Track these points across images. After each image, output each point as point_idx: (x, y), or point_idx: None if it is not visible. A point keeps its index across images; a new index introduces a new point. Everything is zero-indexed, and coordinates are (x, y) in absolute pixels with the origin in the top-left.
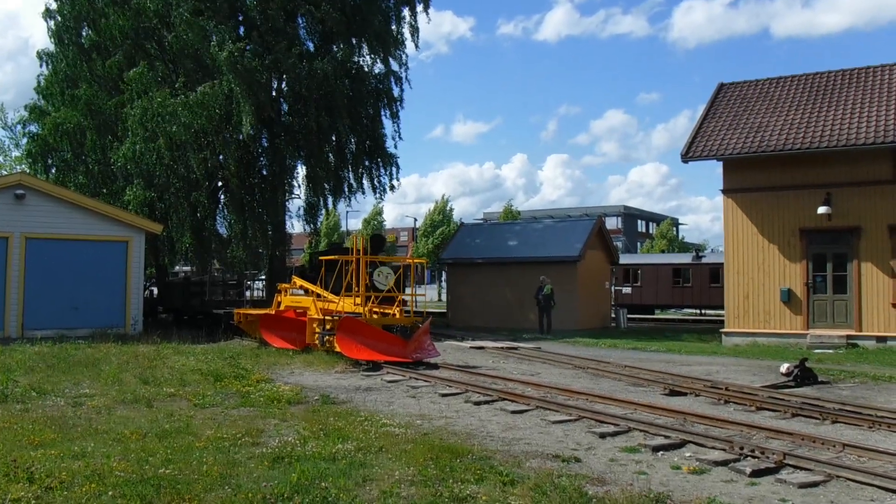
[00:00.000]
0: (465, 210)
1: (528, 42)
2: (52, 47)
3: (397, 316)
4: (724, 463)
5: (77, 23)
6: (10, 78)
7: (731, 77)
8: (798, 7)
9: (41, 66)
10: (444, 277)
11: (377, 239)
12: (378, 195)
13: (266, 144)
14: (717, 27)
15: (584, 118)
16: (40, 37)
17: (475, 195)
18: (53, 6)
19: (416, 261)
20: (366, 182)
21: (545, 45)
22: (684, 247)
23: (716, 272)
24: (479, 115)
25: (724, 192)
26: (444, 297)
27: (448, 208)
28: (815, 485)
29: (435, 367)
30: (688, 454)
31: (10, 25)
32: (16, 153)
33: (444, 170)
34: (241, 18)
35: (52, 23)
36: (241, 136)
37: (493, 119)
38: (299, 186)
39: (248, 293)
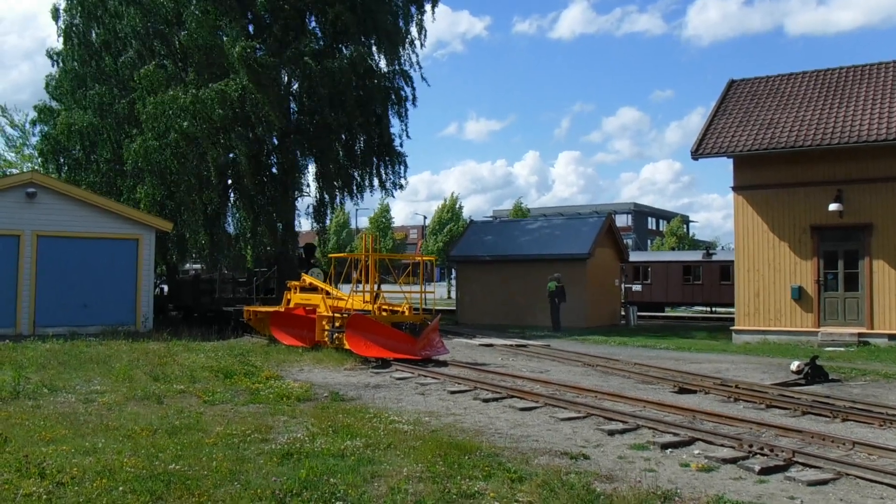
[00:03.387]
0: (476, 207)
1: (543, 40)
2: (61, 46)
3: (406, 313)
4: (733, 461)
5: (87, 22)
6: (27, 77)
7: (746, 74)
8: (813, 4)
9: (52, 64)
10: (453, 275)
11: (309, 247)
12: (386, 193)
13: (276, 142)
14: (731, 25)
15: (598, 115)
16: (56, 37)
17: (487, 193)
18: (62, 5)
19: (425, 258)
20: (374, 180)
21: (560, 43)
22: (694, 244)
23: (726, 270)
24: (493, 113)
25: (735, 189)
26: (453, 295)
27: (457, 206)
28: (824, 483)
29: (444, 364)
30: (696, 452)
31: (27, 26)
32: (26, 151)
33: (456, 167)
34: (251, 17)
35: (60, 22)
36: (259, 131)
37: (506, 117)
38: (309, 184)
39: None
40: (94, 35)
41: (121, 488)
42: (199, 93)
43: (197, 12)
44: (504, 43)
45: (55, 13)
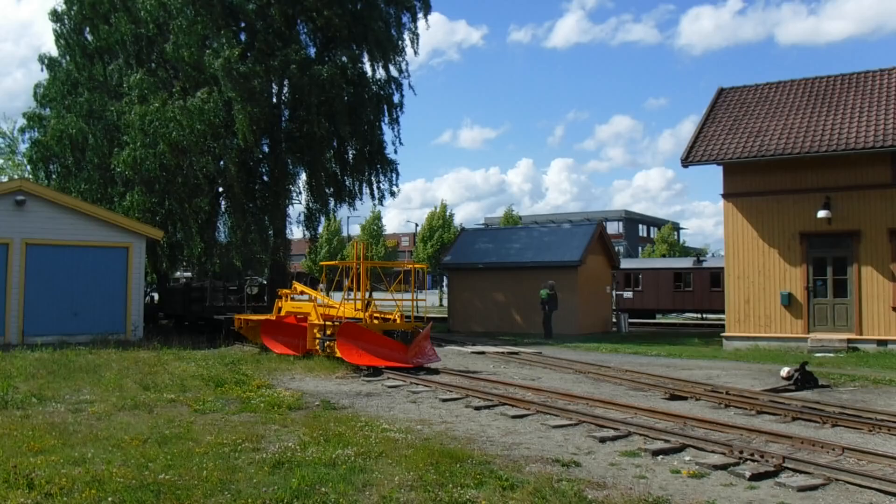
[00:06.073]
0: (469, 215)
1: (539, 49)
2: (55, 52)
3: (398, 321)
4: (724, 467)
5: (80, 27)
6: (21, 85)
7: (738, 83)
8: (804, 15)
9: (42, 69)
10: (445, 282)
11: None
12: (378, 201)
13: (267, 150)
14: (723, 34)
15: (591, 123)
16: (52, 44)
17: (480, 200)
18: (62, 8)
19: (417, 266)
20: (366, 188)
21: (555, 52)
22: (685, 251)
23: (717, 276)
24: (487, 121)
25: (725, 196)
26: (445, 303)
27: (448, 213)
28: (814, 488)
29: (436, 372)
30: (687, 458)
31: (23, 33)
32: (15, 159)
33: (450, 174)
34: (242, 25)
35: (58, 25)
36: (239, 143)
37: (500, 125)
38: (300, 192)
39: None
40: (87, 40)
41: (110, 499)
42: (186, 103)
43: (184, 22)
44: (500, 51)
45: (55, 15)
